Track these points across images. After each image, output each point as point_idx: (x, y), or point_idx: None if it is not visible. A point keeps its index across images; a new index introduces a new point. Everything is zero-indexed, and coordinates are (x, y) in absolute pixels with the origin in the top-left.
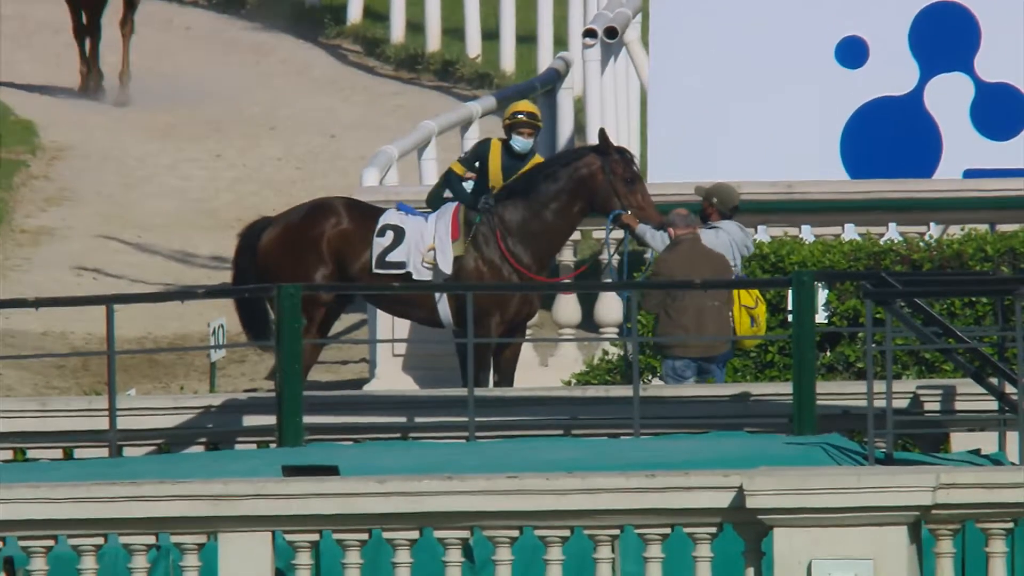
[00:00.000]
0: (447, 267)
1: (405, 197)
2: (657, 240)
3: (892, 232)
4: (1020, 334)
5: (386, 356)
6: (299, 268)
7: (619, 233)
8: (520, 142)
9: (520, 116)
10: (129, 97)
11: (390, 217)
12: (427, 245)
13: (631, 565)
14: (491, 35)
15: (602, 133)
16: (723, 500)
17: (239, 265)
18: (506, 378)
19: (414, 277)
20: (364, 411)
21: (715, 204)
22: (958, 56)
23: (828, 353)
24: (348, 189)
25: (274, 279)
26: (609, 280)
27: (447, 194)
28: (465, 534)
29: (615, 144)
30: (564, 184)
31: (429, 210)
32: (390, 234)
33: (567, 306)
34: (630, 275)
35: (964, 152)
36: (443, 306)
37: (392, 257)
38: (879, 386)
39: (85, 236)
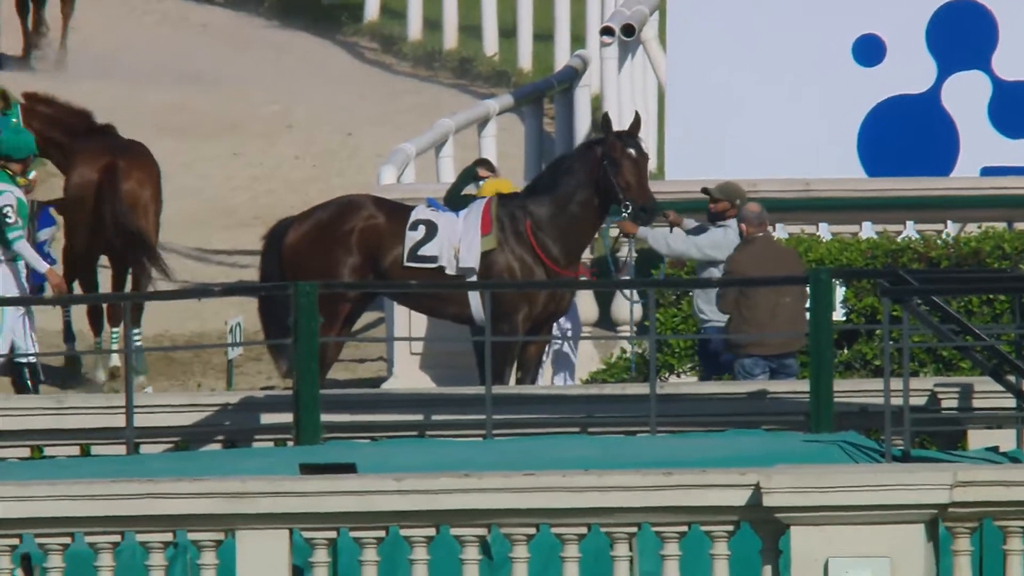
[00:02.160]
0: (473, 262)
1: (423, 195)
2: (660, 241)
3: (909, 230)
4: None
5: (403, 354)
6: (328, 263)
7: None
8: None
9: None
10: (63, 70)
11: (422, 212)
12: (458, 239)
13: (648, 563)
14: (508, 33)
15: (605, 118)
16: (740, 498)
17: (265, 269)
18: (529, 375)
19: (447, 272)
20: (381, 409)
21: (737, 205)
22: (975, 54)
23: (845, 351)
24: (365, 187)
25: (301, 276)
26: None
27: (466, 191)
28: (482, 532)
29: (619, 131)
30: (580, 177)
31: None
32: (422, 228)
33: (584, 304)
34: (647, 274)
35: (981, 150)
36: (475, 302)
37: (425, 251)
38: (896, 384)
39: None
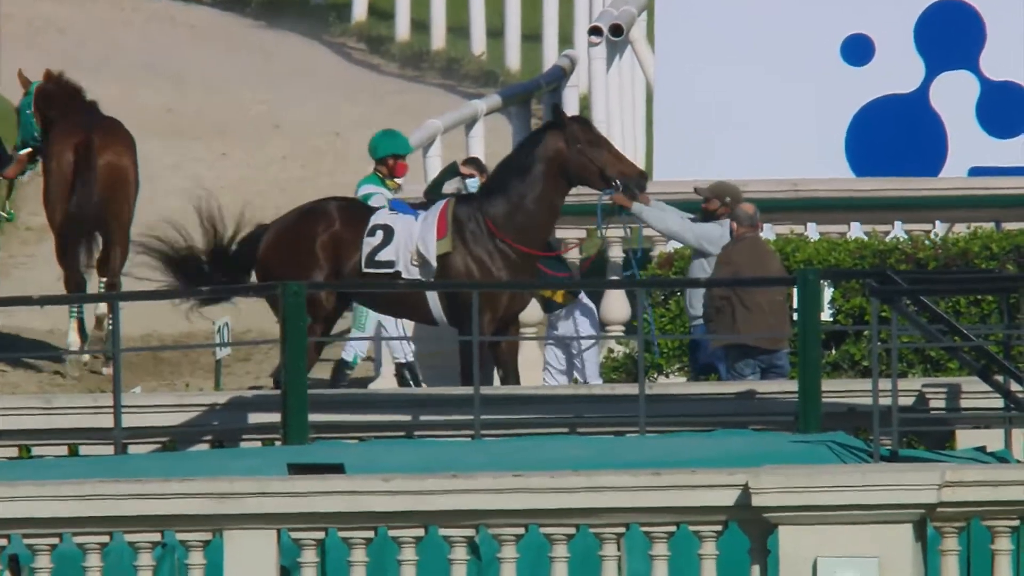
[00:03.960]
0: (432, 263)
1: (410, 195)
2: (654, 216)
3: (898, 230)
4: None
5: (391, 355)
6: (299, 274)
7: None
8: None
9: None
10: None
11: (381, 216)
12: (415, 244)
13: (637, 563)
14: (496, 33)
15: (555, 108)
16: (728, 498)
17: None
18: (511, 373)
19: (404, 276)
20: (369, 409)
21: (728, 203)
22: (964, 54)
23: (833, 351)
24: (353, 188)
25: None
26: (616, 278)
27: (446, 189)
28: (471, 532)
29: (568, 116)
30: (536, 169)
31: (423, 205)
32: (380, 233)
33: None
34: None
35: (969, 150)
36: (435, 304)
37: (381, 256)
38: (884, 384)
39: None
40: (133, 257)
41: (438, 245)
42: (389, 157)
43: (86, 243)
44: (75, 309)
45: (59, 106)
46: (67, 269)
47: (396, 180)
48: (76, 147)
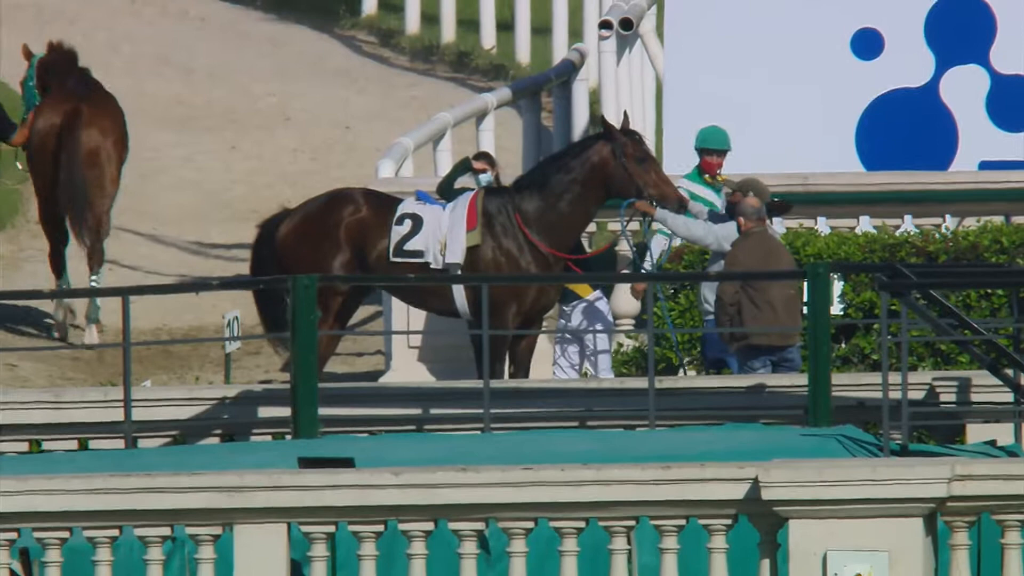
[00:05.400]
0: (458, 257)
1: (421, 189)
2: (679, 223)
3: (907, 224)
4: None
5: (401, 348)
6: (317, 257)
7: (634, 225)
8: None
9: None
10: None
11: (408, 206)
12: (443, 234)
13: (647, 556)
14: (506, 26)
15: (604, 121)
16: (738, 492)
17: (257, 256)
18: (522, 369)
19: (432, 266)
20: (379, 403)
21: (748, 196)
22: (974, 48)
23: (843, 345)
24: (363, 181)
25: (293, 269)
26: (628, 271)
27: (457, 184)
28: (480, 526)
29: (621, 128)
30: (577, 174)
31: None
32: (408, 222)
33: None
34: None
35: (980, 144)
36: (460, 296)
37: (410, 246)
38: (894, 378)
39: None
40: (136, 249)
41: (468, 237)
42: (703, 152)
43: (74, 212)
44: (61, 282)
45: (57, 72)
46: (50, 239)
47: (720, 176)
48: (65, 114)
